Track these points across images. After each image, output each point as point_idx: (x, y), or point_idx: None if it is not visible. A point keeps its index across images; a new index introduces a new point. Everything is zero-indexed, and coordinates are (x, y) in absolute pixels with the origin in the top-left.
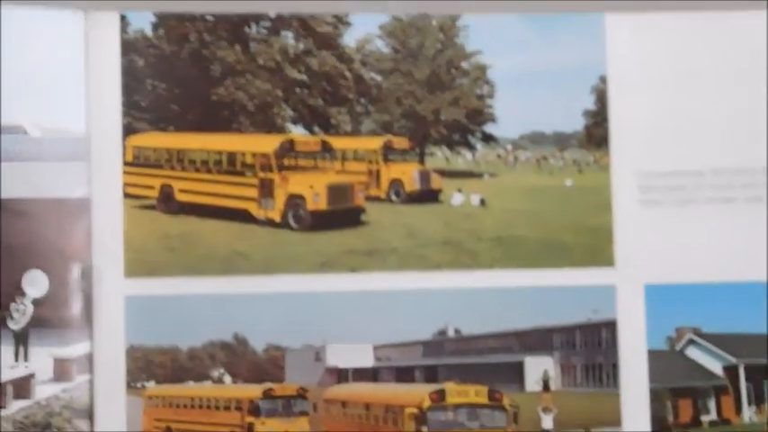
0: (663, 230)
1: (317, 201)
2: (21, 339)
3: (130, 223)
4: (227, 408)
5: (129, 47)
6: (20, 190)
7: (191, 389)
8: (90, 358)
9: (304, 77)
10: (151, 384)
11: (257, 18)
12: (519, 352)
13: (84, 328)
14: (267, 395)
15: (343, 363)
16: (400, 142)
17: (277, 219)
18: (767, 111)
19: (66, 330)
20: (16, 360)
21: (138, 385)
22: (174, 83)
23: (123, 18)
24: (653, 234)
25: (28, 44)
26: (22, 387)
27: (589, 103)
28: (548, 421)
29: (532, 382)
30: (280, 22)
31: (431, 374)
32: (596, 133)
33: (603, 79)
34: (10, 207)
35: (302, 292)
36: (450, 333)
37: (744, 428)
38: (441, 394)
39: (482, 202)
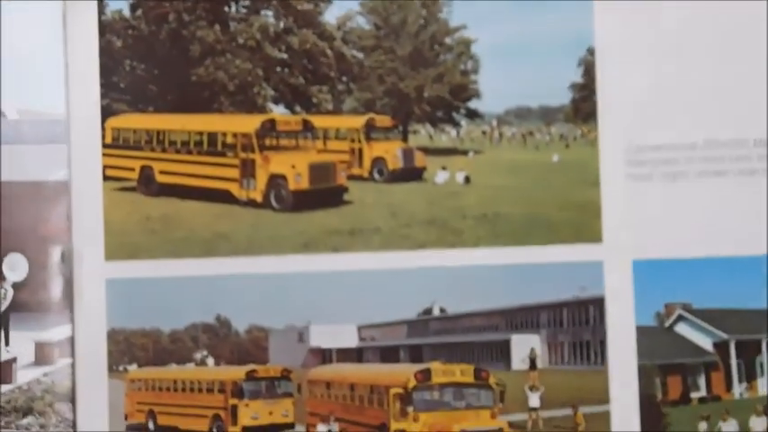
0: (652, 205)
1: (299, 180)
2: (1, 323)
3: (111, 206)
4: (210, 390)
5: (108, 28)
6: None
7: (173, 371)
8: (71, 342)
9: (284, 56)
10: (133, 367)
11: None
12: (505, 330)
13: (65, 312)
14: (250, 377)
15: (326, 343)
16: (383, 120)
17: (259, 199)
18: (763, 81)
19: (46, 314)
20: None
21: (120, 368)
22: (154, 63)
23: None
24: (641, 209)
25: (4, 25)
26: (3, 371)
27: (576, 76)
28: (534, 399)
29: (519, 361)
30: (259, 1)
31: (416, 354)
32: (584, 107)
33: (591, 51)
34: None
35: (285, 272)
36: (436, 312)
37: (734, 405)
38: (426, 374)
39: (467, 179)
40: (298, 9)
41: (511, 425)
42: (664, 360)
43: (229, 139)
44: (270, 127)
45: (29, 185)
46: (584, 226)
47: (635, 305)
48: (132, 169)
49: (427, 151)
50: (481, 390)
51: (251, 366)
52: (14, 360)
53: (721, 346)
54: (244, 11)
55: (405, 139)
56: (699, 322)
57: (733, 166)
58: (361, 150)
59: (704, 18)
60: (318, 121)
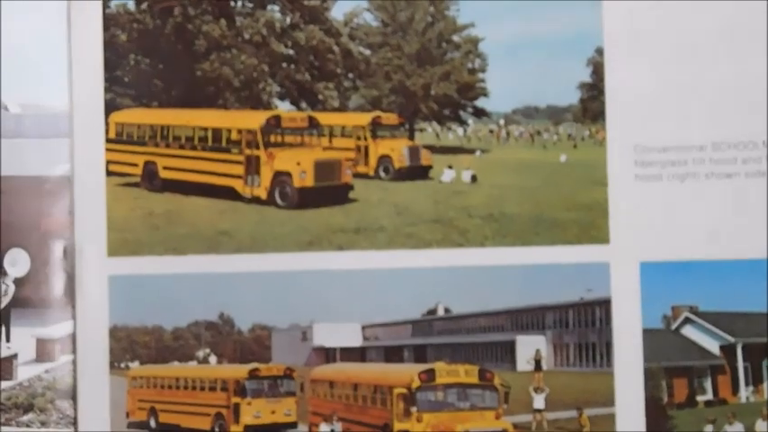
0: (659, 206)
1: (304, 178)
2: (2, 319)
3: (113, 201)
4: (212, 388)
5: (112, 21)
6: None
7: (175, 369)
8: (73, 338)
9: (291, 52)
10: (135, 365)
11: None
12: (510, 331)
13: (67, 308)
14: (253, 375)
15: (330, 342)
16: (389, 118)
17: (263, 196)
18: None
19: (48, 310)
20: None
21: (122, 366)
22: (158, 58)
23: None
24: (649, 210)
25: (8, 18)
26: (4, 368)
27: (584, 75)
28: (539, 401)
29: (524, 362)
30: None
31: (420, 354)
32: (592, 107)
33: (600, 51)
34: None
35: (289, 270)
36: (440, 312)
37: (740, 409)
38: (430, 374)
39: (473, 178)
40: (304, 4)
41: (515, 426)
42: (670, 363)
43: (234, 136)
44: (275, 123)
45: (31, 180)
46: (591, 227)
47: (641, 307)
48: (135, 165)
49: (434, 150)
50: (485, 390)
51: (254, 365)
52: (15, 356)
53: (728, 349)
54: (250, 6)
55: (411, 137)
56: (706, 325)
57: (742, 167)
58: (366, 148)
59: (714, 18)
60: (324, 118)
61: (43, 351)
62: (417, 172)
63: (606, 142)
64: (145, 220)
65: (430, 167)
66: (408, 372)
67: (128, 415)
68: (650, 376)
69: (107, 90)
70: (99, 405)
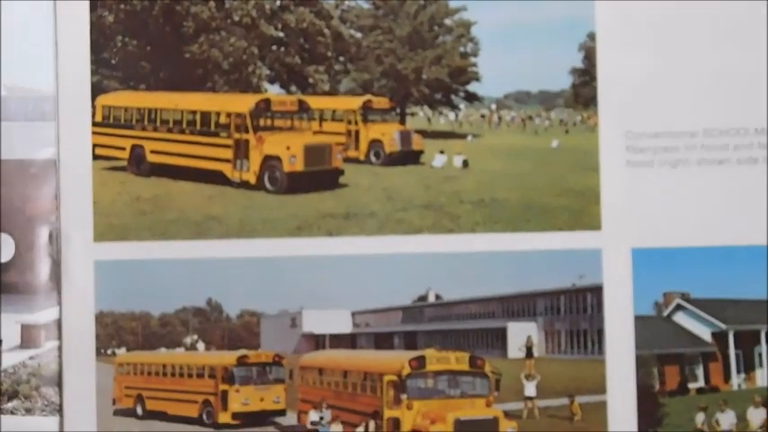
0: (652, 193)
1: (294, 162)
2: None
3: (100, 185)
4: (200, 375)
5: (99, 2)
6: None
7: (162, 356)
8: (58, 324)
9: (281, 35)
10: (122, 351)
11: None
12: (501, 318)
13: (52, 294)
14: (241, 362)
15: (319, 329)
16: (380, 102)
17: (252, 181)
18: (764, 69)
19: (33, 296)
20: None
21: (108, 352)
22: (146, 40)
23: None
24: (641, 196)
25: None
26: None
27: (577, 60)
28: (530, 388)
29: (515, 349)
30: None
31: (410, 341)
32: (584, 92)
33: (592, 36)
34: None
35: (278, 256)
36: (431, 299)
37: (732, 396)
38: (420, 361)
39: (465, 163)
40: None
41: (506, 414)
42: (662, 350)
43: (223, 119)
44: (264, 107)
45: (16, 164)
46: (583, 213)
47: (633, 294)
48: (122, 148)
49: (425, 134)
50: (476, 378)
51: (242, 351)
52: (0, 343)
53: (720, 337)
54: None
55: (402, 121)
56: (697, 312)
57: (734, 154)
58: (357, 132)
59: (707, 4)
60: (314, 101)
61: (28, 337)
62: (408, 157)
63: (598, 128)
64: (132, 205)
65: (421, 152)
66: (399, 359)
67: (114, 402)
68: (642, 363)
69: (94, 72)
70: (85, 392)
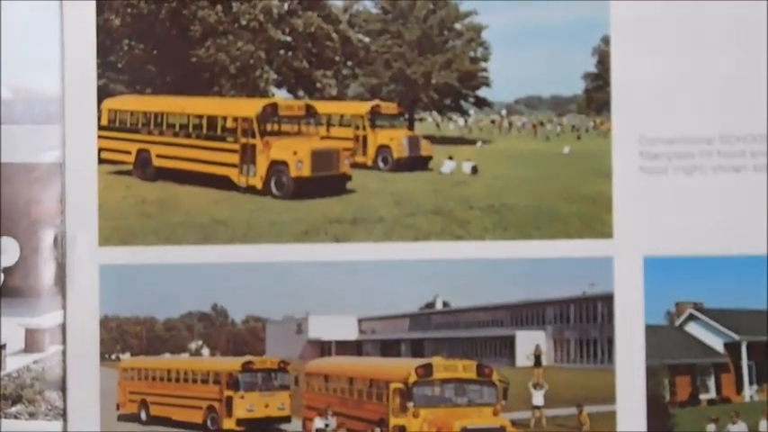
0: (665, 200)
1: (301, 167)
2: None
3: (105, 189)
4: (204, 381)
5: (106, 5)
6: None
7: (167, 361)
8: (62, 328)
9: (288, 39)
10: (126, 356)
11: None
12: (510, 326)
13: (57, 298)
14: (246, 368)
15: (325, 335)
16: (388, 107)
17: (259, 186)
18: None
19: (37, 300)
20: None
21: (113, 357)
22: (153, 43)
23: None
24: (654, 203)
25: None
26: None
27: (590, 65)
28: (538, 397)
29: (523, 357)
30: None
31: (417, 348)
32: (597, 97)
33: (606, 40)
34: None
35: (284, 261)
36: (439, 306)
37: (744, 407)
38: (427, 369)
39: (474, 169)
40: None
41: (513, 423)
42: (673, 360)
43: (229, 124)
44: (271, 112)
45: (21, 167)
46: (595, 220)
47: (645, 303)
48: (128, 152)
49: (434, 140)
50: (483, 386)
51: (247, 357)
52: (3, 347)
53: (732, 347)
54: None
55: (411, 126)
56: (710, 322)
57: (750, 161)
58: (365, 138)
59: (724, 8)
60: (322, 106)
61: (32, 341)
62: (417, 162)
63: (611, 133)
64: (137, 209)
65: (430, 158)
66: (405, 366)
67: (118, 407)
68: (652, 373)
69: (100, 76)
70: (89, 397)
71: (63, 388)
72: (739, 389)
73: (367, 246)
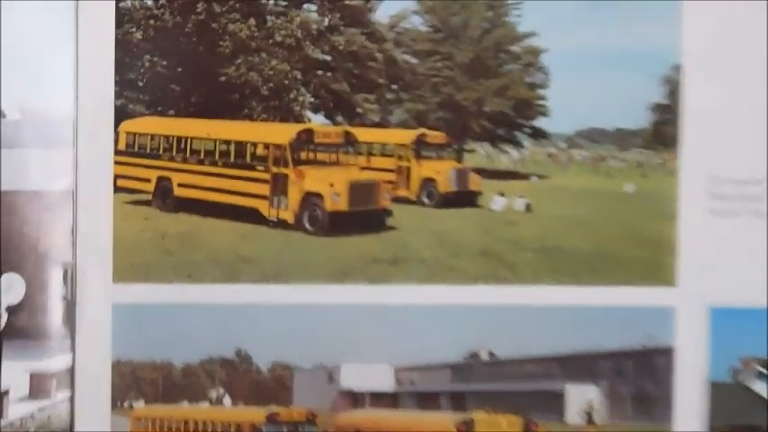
0: (734, 245)
1: (337, 200)
2: None
3: (121, 221)
4: None
5: (126, 17)
6: None
7: (185, 410)
8: (71, 373)
9: (327, 58)
10: (140, 404)
11: None
12: (560, 379)
13: (65, 340)
14: (271, 420)
15: (359, 385)
16: (435, 136)
17: (290, 220)
18: None
19: (44, 341)
20: None
21: (125, 404)
22: (177, 60)
23: None
24: (723, 249)
25: (8, 12)
26: None
27: (658, 96)
28: None
29: (574, 414)
30: None
31: (459, 402)
32: (665, 131)
33: (677, 69)
34: None
35: (316, 304)
36: (483, 356)
37: None
38: (469, 425)
39: (527, 207)
40: (345, 4)
41: None
42: (737, 421)
43: (260, 151)
44: (306, 138)
45: (29, 195)
46: (657, 266)
47: (709, 357)
48: (148, 180)
49: (484, 174)
50: None
51: (272, 408)
52: (7, 393)
53: None
54: (283, 4)
55: (459, 158)
56: None
57: None
58: (408, 169)
59: None
60: (362, 134)
61: (38, 386)
62: (464, 198)
63: (678, 171)
64: (156, 243)
65: (479, 194)
66: (445, 421)
67: None
68: None
69: (118, 95)
70: None
71: None
72: None
73: (407, 289)
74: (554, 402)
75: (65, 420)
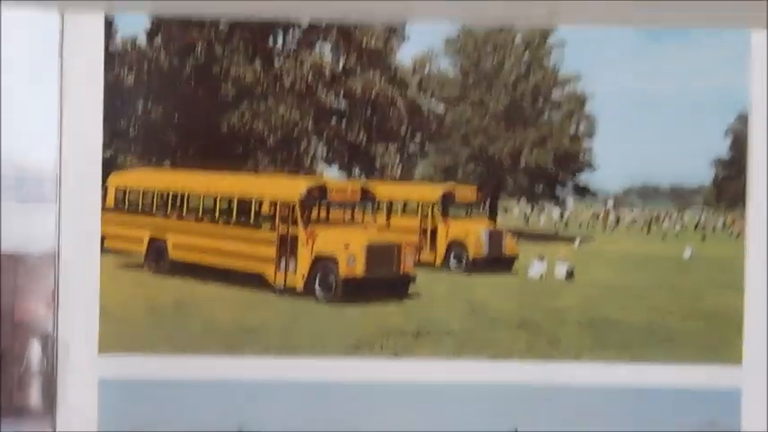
0: None
1: (353, 265)
2: None
3: (109, 286)
4: None
5: (117, 58)
6: None
7: None
8: None
9: (342, 105)
10: None
11: (285, 26)
12: None
13: (45, 419)
14: None
15: None
16: (465, 192)
17: (299, 286)
18: None
19: (20, 421)
20: None
21: None
22: (174, 106)
23: (110, 21)
24: None
25: None
26: None
27: (722, 148)
28: None
29: None
30: (314, 32)
31: None
32: (729, 189)
33: (743, 118)
34: None
35: (329, 380)
36: None
37: None
38: None
39: (570, 273)
40: (363, 45)
41: None
42: None
43: (266, 208)
44: (319, 194)
45: (5, 258)
46: (720, 342)
47: None
48: (139, 240)
49: (521, 236)
50: None
51: None
52: None
53: None
54: (293, 44)
55: (492, 218)
56: None
57: None
58: (434, 230)
59: None
60: (382, 189)
61: None
62: (498, 263)
63: (745, 235)
64: (148, 312)
65: (515, 258)
66: None
67: None
68: None
69: (107, 145)
70: None
71: None
72: None
73: (432, 364)
74: None
75: None
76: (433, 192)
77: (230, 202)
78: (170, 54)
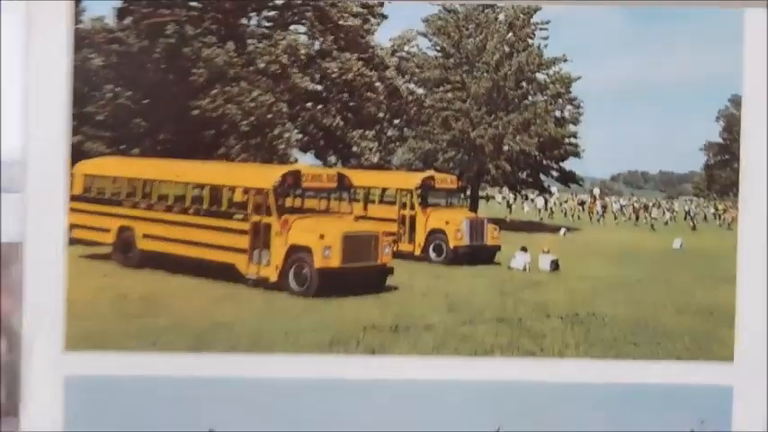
0: None
1: (329, 256)
2: None
3: (75, 279)
4: None
5: (84, 41)
6: None
7: None
8: None
9: (318, 88)
10: None
11: (258, 6)
12: None
13: (10, 419)
14: None
15: None
16: (445, 180)
17: (273, 278)
18: None
19: None
20: None
21: None
22: (143, 91)
23: (77, 3)
24: None
25: None
26: None
27: (713, 133)
28: None
29: None
30: (288, 12)
31: None
32: (721, 176)
33: (736, 102)
34: None
35: (302, 377)
36: None
37: None
38: None
39: (554, 265)
40: (339, 25)
41: None
42: None
43: (238, 197)
44: (293, 182)
45: None
46: (711, 338)
47: None
48: (107, 230)
49: (503, 225)
50: None
51: None
52: None
53: None
54: (267, 25)
55: (473, 207)
56: None
57: None
58: (413, 219)
59: None
60: (359, 177)
61: None
62: (480, 254)
63: (738, 224)
64: (115, 305)
65: (497, 249)
66: None
67: None
68: None
69: (74, 131)
70: None
71: None
72: None
73: (410, 360)
74: None
75: None
76: (412, 179)
77: (201, 190)
78: (140, 35)
